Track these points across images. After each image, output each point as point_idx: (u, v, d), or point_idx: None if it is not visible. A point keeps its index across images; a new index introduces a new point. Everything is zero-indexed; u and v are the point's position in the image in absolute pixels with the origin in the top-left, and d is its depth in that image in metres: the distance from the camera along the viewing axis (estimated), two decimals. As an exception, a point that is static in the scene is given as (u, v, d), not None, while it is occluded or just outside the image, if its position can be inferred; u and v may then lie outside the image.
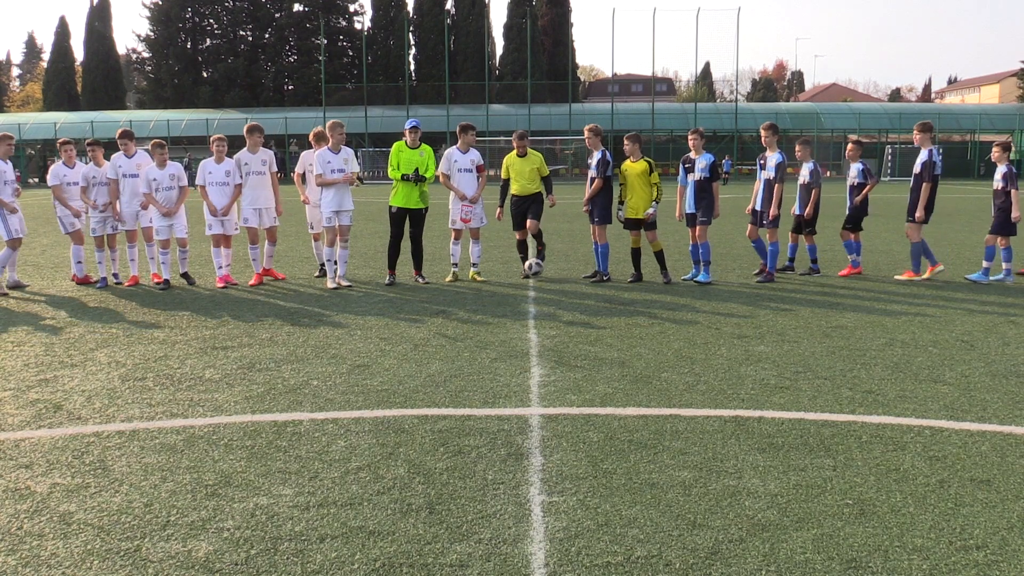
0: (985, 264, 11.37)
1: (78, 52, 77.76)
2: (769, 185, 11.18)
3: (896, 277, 11.64)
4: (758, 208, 11.38)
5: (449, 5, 72.99)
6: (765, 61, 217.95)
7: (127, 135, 11.25)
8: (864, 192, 11.79)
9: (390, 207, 11.15)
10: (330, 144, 10.90)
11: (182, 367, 6.86)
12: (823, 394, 6.03)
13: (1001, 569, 3.53)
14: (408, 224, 11.19)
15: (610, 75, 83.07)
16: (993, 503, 4.17)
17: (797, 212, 11.87)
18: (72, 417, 5.57)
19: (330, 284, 10.85)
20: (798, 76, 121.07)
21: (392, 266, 11.32)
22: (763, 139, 11.40)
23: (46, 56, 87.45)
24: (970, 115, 62.15)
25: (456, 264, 11.64)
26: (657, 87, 77.53)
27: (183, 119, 60.76)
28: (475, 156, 11.51)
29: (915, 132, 11.50)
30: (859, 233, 11.91)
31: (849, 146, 12.29)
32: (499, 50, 76.26)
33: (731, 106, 64.19)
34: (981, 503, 4.17)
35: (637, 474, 4.53)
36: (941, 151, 12.20)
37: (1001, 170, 11.25)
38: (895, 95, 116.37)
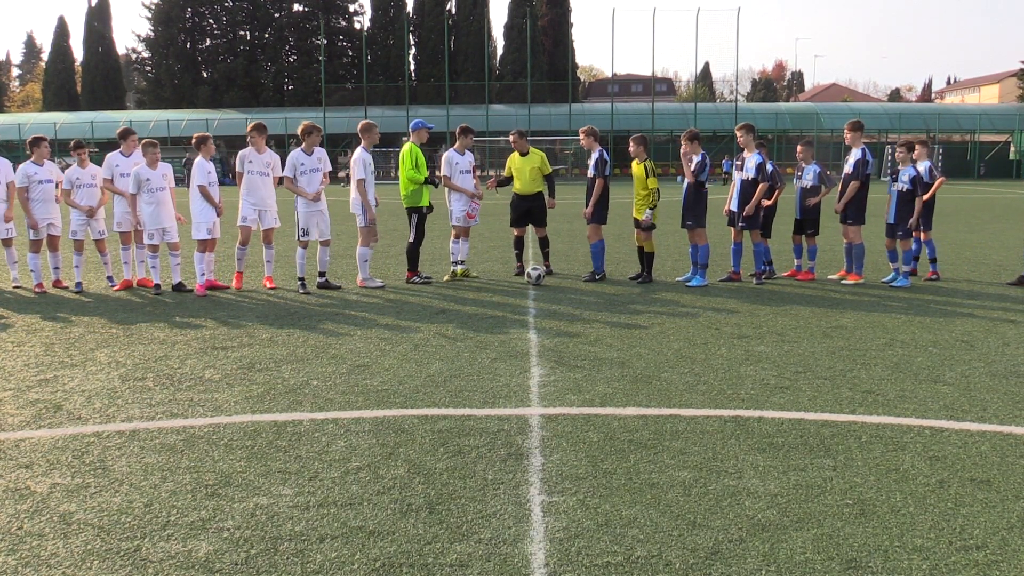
0: (893, 266, 11.21)
1: (77, 52, 77.89)
2: (748, 186, 10.96)
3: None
4: (735, 209, 11.17)
5: (449, 5, 73.02)
6: (765, 61, 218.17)
7: (127, 133, 11.14)
8: (818, 198, 11.44)
9: (422, 208, 11.15)
10: (364, 144, 10.87)
11: (182, 367, 6.85)
12: (823, 394, 6.03)
13: (1001, 569, 3.53)
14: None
15: (610, 75, 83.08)
16: (993, 503, 4.17)
17: (798, 215, 11.73)
18: (72, 417, 5.57)
19: (372, 284, 10.93)
20: (798, 76, 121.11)
21: (417, 266, 11.35)
22: (739, 140, 11.12)
23: (46, 56, 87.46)
24: (970, 115, 62.19)
25: (458, 262, 11.68)
26: (657, 87, 77.51)
27: (183, 119, 60.78)
28: (471, 158, 11.73)
29: (846, 131, 11.20)
30: (815, 237, 11.62)
31: (799, 148, 11.88)
32: (499, 50, 76.30)
33: (731, 106, 64.27)
34: (981, 503, 4.17)
35: (637, 474, 4.52)
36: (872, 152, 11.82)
37: (909, 172, 11.00)
38: (895, 95, 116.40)
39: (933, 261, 11.62)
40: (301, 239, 10.67)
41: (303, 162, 10.60)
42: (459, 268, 11.71)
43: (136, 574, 3.51)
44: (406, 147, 11.16)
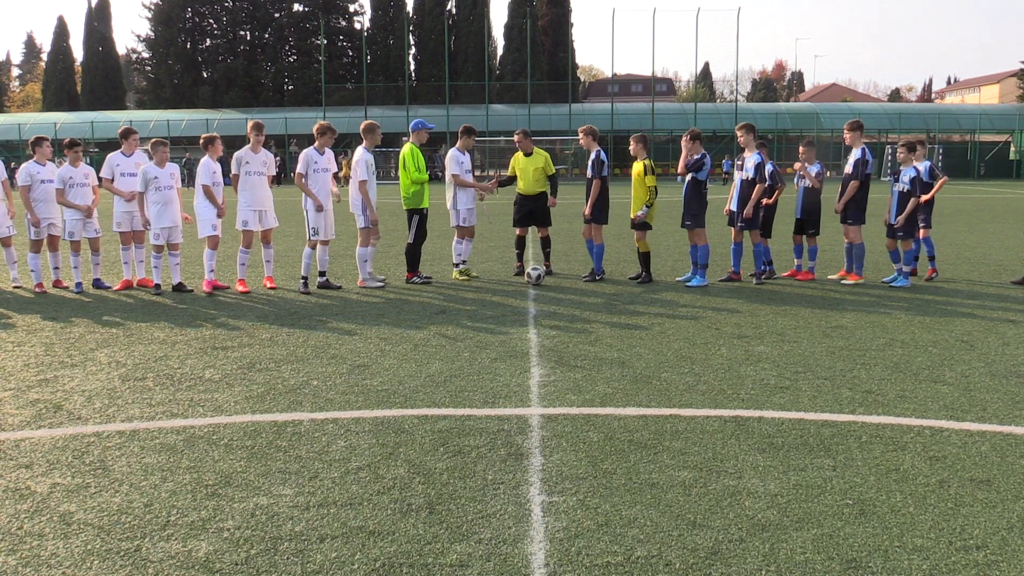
0: (896, 266, 11.12)
1: (77, 52, 77.92)
2: (747, 186, 11.03)
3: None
4: (734, 209, 11.22)
5: (450, 5, 73.03)
6: (765, 61, 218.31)
7: (129, 132, 11.11)
8: (807, 176, 11.39)
9: (423, 209, 11.15)
10: (366, 144, 10.88)
11: (182, 367, 6.85)
12: (823, 394, 6.03)
13: (1001, 569, 3.53)
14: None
15: (610, 75, 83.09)
16: (993, 503, 4.17)
17: (799, 215, 11.72)
18: (72, 417, 5.57)
19: (372, 284, 10.93)
20: (798, 76, 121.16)
21: (417, 267, 11.37)
22: (739, 140, 11.15)
23: (46, 56, 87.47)
24: (970, 115, 62.16)
25: (464, 262, 11.69)
26: (657, 87, 77.53)
27: (183, 119, 60.76)
28: (470, 157, 11.77)
29: (846, 131, 11.19)
30: (815, 237, 11.62)
31: (801, 148, 11.87)
32: (499, 50, 76.31)
33: (731, 106, 64.25)
34: (981, 503, 4.17)
35: (637, 474, 4.52)
36: (874, 152, 11.73)
37: (910, 172, 10.89)
38: (895, 95, 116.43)
39: (931, 259, 11.60)
40: (312, 238, 10.67)
41: (316, 160, 10.62)
42: (462, 268, 11.71)
43: (136, 574, 3.51)
44: (407, 148, 11.13)
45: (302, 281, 10.62)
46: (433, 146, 53.33)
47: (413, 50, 73.10)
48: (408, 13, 73.01)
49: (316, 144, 10.68)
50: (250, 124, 10.75)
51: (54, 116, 63.59)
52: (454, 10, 73.08)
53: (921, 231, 11.50)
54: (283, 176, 52.82)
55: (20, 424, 5.44)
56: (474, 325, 8.49)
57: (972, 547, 3.71)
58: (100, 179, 11.12)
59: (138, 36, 79.40)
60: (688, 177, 11.03)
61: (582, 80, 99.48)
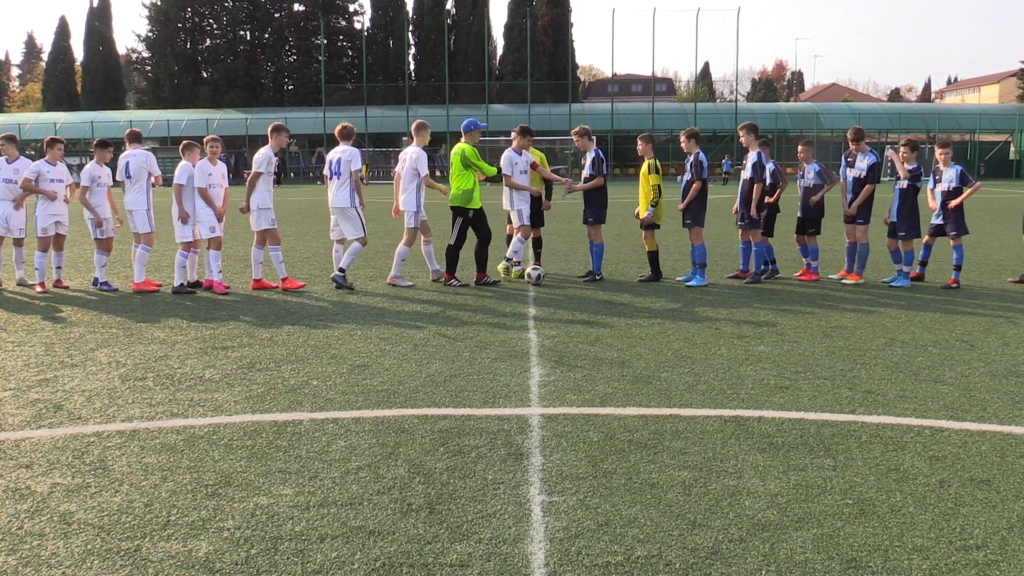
0: (897, 267, 11.10)
1: (78, 52, 77.99)
2: (746, 185, 11.09)
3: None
4: (741, 209, 11.28)
5: (449, 5, 73.05)
6: (765, 61, 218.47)
7: (138, 136, 11.16)
8: (820, 194, 11.38)
9: (469, 212, 10.99)
10: (417, 142, 11.03)
11: (182, 367, 6.85)
12: (823, 394, 6.03)
13: (1001, 569, 3.53)
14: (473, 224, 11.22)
15: (610, 75, 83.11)
16: (993, 503, 4.17)
17: (800, 215, 11.68)
18: (72, 417, 5.57)
19: (403, 284, 11.04)
20: (798, 76, 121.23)
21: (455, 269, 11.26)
22: (741, 140, 11.20)
23: (46, 56, 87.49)
24: (970, 115, 62.19)
25: (520, 262, 11.71)
26: (657, 87, 77.55)
27: (183, 119, 60.78)
28: (528, 157, 11.44)
29: (851, 143, 11.23)
30: (816, 237, 11.60)
31: (800, 147, 11.87)
32: (499, 50, 76.33)
33: (731, 106, 64.27)
34: (981, 503, 4.17)
35: (637, 474, 4.52)
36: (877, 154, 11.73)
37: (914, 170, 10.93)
38: (895, 95, 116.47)
39: (957, 268, 11.01)
40: (361, 238, 10.87)
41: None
42: (517, 269, 11.66)
43: (136, 574, 3.51)
44: (465, 147, 10.92)
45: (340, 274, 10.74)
46: (434, 146, 53.25)
47: (413, 50, 73.14)
48: (408, 13, 73.03)
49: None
50: (273, 125, 10.92)
51: (54, 116, 63.62)
52: (454, 10, 73.12)
53: (952, 239, 11.29)
54: (282, 176, 52.86)
55: (20, 424, 5.44)
56: (474, 325, 8.49)
57: (972, 547, 3.71)
58: (115, 180, 11.19)
59: (138, 36, 79.41)
60: (687, 177, 11.05)
61: (582, 80, 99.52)
